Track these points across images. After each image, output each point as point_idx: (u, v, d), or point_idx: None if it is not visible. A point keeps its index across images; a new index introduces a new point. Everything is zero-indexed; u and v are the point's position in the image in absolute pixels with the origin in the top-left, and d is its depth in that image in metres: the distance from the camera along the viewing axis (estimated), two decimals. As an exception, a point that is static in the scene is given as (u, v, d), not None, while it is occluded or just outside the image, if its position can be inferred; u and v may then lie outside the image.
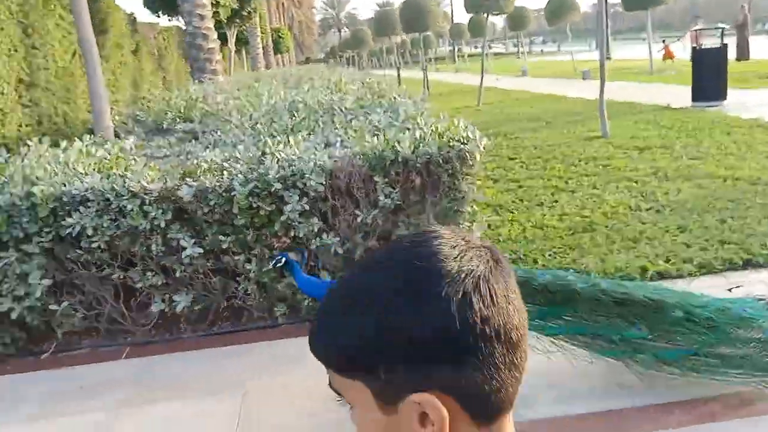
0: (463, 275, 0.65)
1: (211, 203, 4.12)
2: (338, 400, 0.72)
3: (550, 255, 5.23)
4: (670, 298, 3.00)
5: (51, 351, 4.27)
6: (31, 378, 3.98)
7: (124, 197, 4.05)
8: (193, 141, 6.00)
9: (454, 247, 0.67)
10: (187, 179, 4.16)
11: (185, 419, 3.36)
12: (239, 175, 4.16)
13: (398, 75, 26.16)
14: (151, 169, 4.33)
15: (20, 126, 9.19)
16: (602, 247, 5.28)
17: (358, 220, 4.34)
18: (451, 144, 4.46)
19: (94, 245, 4.06)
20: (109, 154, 4.88)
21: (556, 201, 6.83)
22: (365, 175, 4.36)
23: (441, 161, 4.41)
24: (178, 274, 4.19)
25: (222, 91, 9.20)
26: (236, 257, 4.23)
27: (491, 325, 0.65)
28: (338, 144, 4.86)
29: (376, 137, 4.58)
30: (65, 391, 3.76)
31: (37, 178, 4.22)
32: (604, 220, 6.00)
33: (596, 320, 3.04)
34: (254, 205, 4.16)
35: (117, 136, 7.23)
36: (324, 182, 4.23)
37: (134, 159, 4.77)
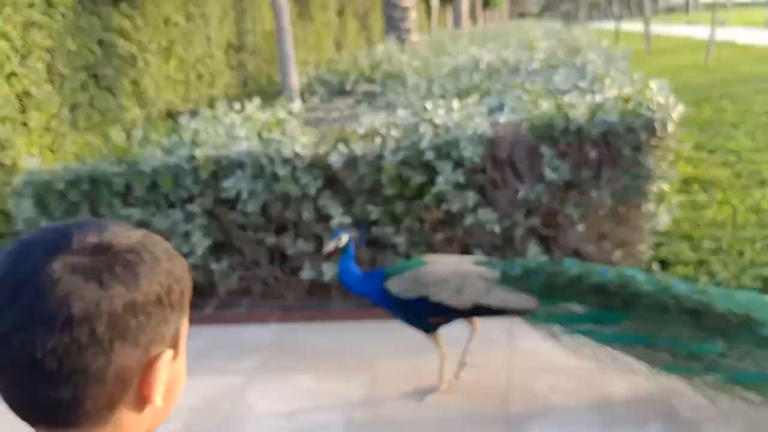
0: None
1: (361, 172, 3.93)
2: None
3: (761, 247, 4.29)
4: (762, 312, 2.43)
5: (213, 307, 4.45)
6: (193, 332, 4.17)
7: (277, 163, 4.01)
8: (364, 104, 5.88)
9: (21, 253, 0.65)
10: (339, 146, 4.00)
11: (312, 395, 3.26)
12: (391, 143, 3.91)
13: (616, 28, 24.07)
14: (307, 134, 4.24)
15: (228, 87, 9.87)
16: (838, 242, 4.22)
17: (520, 195, 3.87)
18: (637, 111, 3.77)
19: (250, 209, 4.10)
20: (276, 116, 4.90)
21: (785, 179, 5.66)
22: (530, 146, 3.86)
23: (622, 131, 3.75)
24: (327, 243, 4.09)
25: (410, 50, 8.99)
26: (385, 229, 4.02)
27: None
28: (507, 109, 4.38)
29: (548, 102, 4.03)
30: (215, 349, 3.88)
31: (203, 141, 4.35)
32: None
33: (661, 330, 2.56)
34: (404, 176, 3.89)
35: (302, 97, 7.38)
36: (482, 152, 3.82)
37: (297, 122, 4.74)
